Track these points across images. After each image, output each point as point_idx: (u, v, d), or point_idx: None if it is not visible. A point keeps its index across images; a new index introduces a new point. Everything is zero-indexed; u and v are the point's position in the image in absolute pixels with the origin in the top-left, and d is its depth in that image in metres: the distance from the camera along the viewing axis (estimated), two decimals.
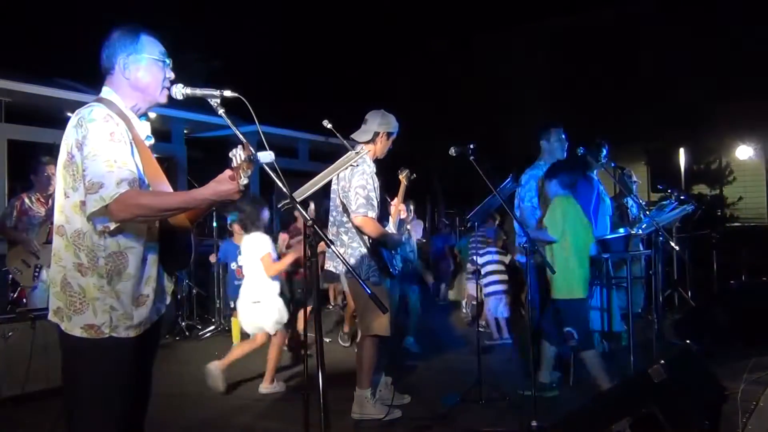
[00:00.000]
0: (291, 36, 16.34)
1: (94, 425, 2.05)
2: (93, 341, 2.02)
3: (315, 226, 2.08)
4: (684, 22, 12.77)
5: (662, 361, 2.79)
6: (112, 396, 2.05)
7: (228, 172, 1.91)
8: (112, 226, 1.99)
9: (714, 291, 7.71)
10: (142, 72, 2.16)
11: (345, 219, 3.92)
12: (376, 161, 4.08)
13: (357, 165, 3.86)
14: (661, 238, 4.85)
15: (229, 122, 2.11)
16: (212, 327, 7.02)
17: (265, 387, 4.70)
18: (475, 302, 6.29)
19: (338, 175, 3.92)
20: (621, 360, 4.99)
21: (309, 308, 5.64)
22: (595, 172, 5.58)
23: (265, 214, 4.92)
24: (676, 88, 12.47)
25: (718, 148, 13.03)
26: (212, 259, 6.90)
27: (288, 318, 4.84)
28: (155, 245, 2.14)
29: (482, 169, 3.81)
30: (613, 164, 5.83)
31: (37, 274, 5.16)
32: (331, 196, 4.08)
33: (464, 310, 7.73)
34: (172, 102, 2.25)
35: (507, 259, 6.58)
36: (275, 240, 5.63)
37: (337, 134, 4.11)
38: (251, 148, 1.87)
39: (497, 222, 7.46)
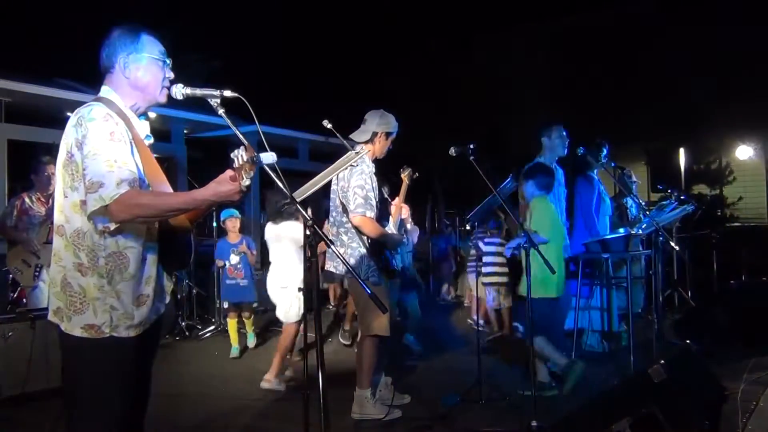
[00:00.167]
0: (291, 36, 16.34)
1: (94, 425, 2.05)
2: (93, 341, 2.02)
3: (315, 226, 2.08)
4: (684, 22, 12.76)
5: (662, 361, 2.79)
6: (112, 396, 2.05)
7: (229, 173, 1.91)
8: (112, 226, 1.98)
9: (714, 291, 7.71)
10: (142, 71, 2.16)
11: (345, 219, 3.92)
12: (377, 161, 4.08)
13: (356, 165, 3.86)
14: (661, 238, 4.86)
15: (229, 122, 2.11)
16: (212, 327, 7.02)
17: (267, 381, 4.71)
18: (476, 299, 6.31)
19: (338, 175, 3.92)
20: (621, 360, 4.99)
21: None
22: (595, 172, 5.59)
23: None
24: (676, 88, 12.45)
25: (718, 148, 13.03)
26: (219, 263, 6.36)
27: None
28: (155, 245, 2.14)
29: (482, 169, 3.81)
30: (613, 164, 5.83)
31: (37, 273, 5.16)
32: (331, 196, 4.08)
33: (471, 317, 7.72)
34: (172, 102, 2.25)
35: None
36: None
37: (337, 134, 4.11)
38: (253, 150, 1.87)
39: (502, 217, 7.46)
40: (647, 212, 5.30)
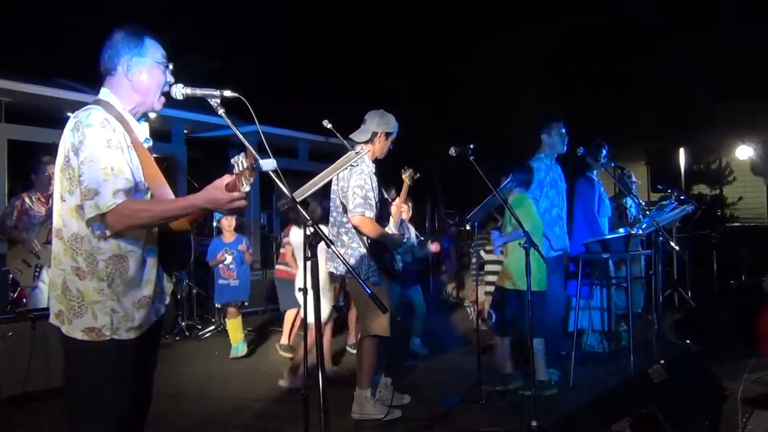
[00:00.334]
0: (291, 36, 16.34)
1: (95, 426, 2.05)
2: (94, 344, 2.03)
3: (315, 226, 2.07)
4: (684, 22, 12.76)
5: (662, 361, 2.79)
6: (113, 397, 2.05)
7: (226, 179, 1.91)
8: (110, 231, 2.00)
9: (714, 291, 7.71)
10: (145, 75, 2.15)
11: (345, 219, 3.92)
12: (377, 161, 4.08)
13: (356, 165, 3.86)
14: (661, 238, 4.86)
15: (229, 122, 2.10)
16: (212, 327, 7.02)
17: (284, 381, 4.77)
18: (476, 303, 6.29)
19: (338, 175, 3.92)
20: (621, 360, 4.99)
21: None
22: (595, 172, 5.59)
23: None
24: (676, 88, 12.46)
25: (718, 148, 13.02)
26: (212, 263, 6.25)
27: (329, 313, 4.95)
28: (155, 247, 2.14)
29: (482, 169, 3.81)
30: (613, 164, 5.83)
31: (37, 273, 5.16)
32: (331, 196, 4.08)
33: (471, 317, 7.72)
34: (172, 102, 2.25)
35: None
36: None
37: (337, 134, 4.12)
38: (255, 155, 1.85)
39: (499, 223, 7.45)
40: (647, 212, 5.30)
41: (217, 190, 1.93)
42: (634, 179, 6.26)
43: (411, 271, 5.78)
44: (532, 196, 4.76)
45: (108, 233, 2.00)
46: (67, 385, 2.10)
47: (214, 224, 7.34)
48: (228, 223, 5.97)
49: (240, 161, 1.84)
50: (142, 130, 2.21)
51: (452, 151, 3.89)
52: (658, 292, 5.18)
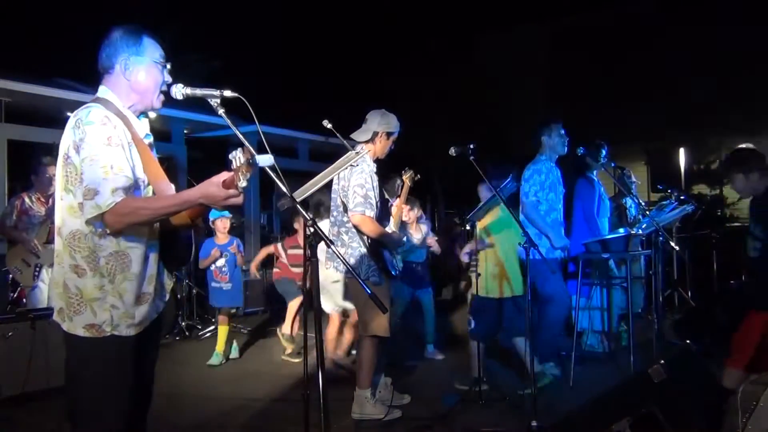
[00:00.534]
0: (291, 36, 16.34)
1: (97, 424, 2.06)
2: (95, 340, 2.04)
3: (315, 226, 2.08)
4: (684, 22, 12.76)
5: (662, 361, 2.79)
6: (115, 394, 2.06)
7: (223, 175, 1.92)
8: (110, 230, 2.01)
9: (714, 291, 7.71)
10: (143, 74, 2.16)
11: (346, 219, 3.92)
12: (378, 161, 4.08)
13: (356, 165, 3.86)
14: (661, 238, 4.86)
15: (229, 122, 2.11)
16: (212, 327, 7.00)
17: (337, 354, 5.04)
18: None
19: (339, 174, 3.92)
20: (621, 360, 4.99)
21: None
22: (594, 172, 5.58)
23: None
24: (676, 88, 12.46)
25: (718, 148, 13.02)
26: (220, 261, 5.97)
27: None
28: (156, 243, 2.15)
29: (482, 169, 3.81)
30: (612, 164, 5.83)
31: (37, 273, 5.17)
32: (332, 196, 4.08)
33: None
34: (172, 102, 2.25)
35: None
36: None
37: (337, 134, 4.11)
38: (251, 151, 1.87)
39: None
40: (646, 212, 5.29)
41: (212, 185, 1.94)
42: (634, 179, 6.25)
43: (421, 272, 5.77)
44: (536, 198, 4.76)
45: (108, 231, 2.00)
46: (68, 383, 2.11)
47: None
48: (222, 224, 5.84)
49: (237, 156, 1.86)
50: (143, 127, 2.21)
51: (452, 151, 3.89)
52: (658, 292, 5.18)
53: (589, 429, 3.01)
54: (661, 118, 12.41)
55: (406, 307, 5.65)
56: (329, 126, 4.11)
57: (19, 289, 5.52)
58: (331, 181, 3.91)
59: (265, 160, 1.94)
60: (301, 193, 3.44)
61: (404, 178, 4.39)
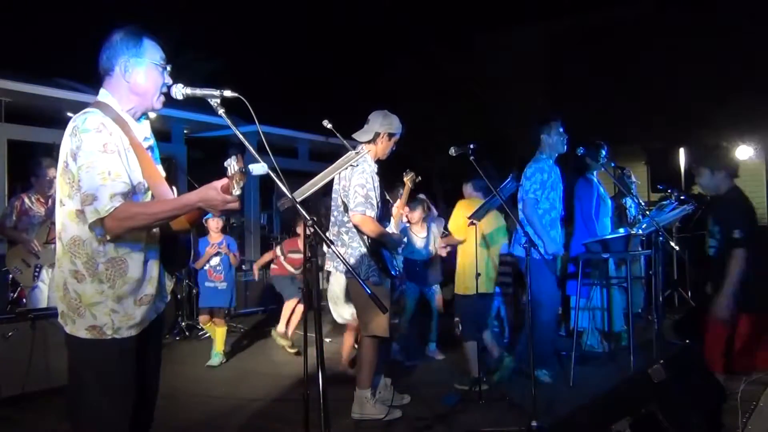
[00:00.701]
0: (291, 36, 16.35)
1: (99, 424, 2.06)
2: (97, 341, 2.05)
3: (315, 226, 2.08)
4: (684, 22, 12.76)
5: (662, 361, 2.78)
6: (117, 395, 2.07)
7: (222, 180, 1.92)
8: (109, 236, 2.02)
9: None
10: (142, 76, 2.15)
11: (346, 219, 3.92)
12: (380, 162, 4.08)
13: (357, 165, 3.86)
14: (661, 238, 4.85)
15: (229, 122, 2.11)
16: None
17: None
18: None
19: (340, 174, 3.92)
20: (621, 360, 4.99)
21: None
22: (594, 172, 5.58)
23: None
24: (676, 88, 12.46)
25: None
26: (215, 260, 5.97)
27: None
28: (156, 247, 2.16)
29: (482, 169, 3.81)
30: (613, 164, 5.82)
31: (37, 274, 5.17)
32: (333, 195, 4.08)
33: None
34: (172, 102, 2.25)
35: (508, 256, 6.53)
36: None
37: (337, 134, 4.11)
38: (242, 161, 1.88)
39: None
40: (646, 212, 5.29)
41: (212, 190, 1.94)
42: (634, 179, 6.25)
43: (426, 270, 5.77)
44: (534, 197, 4.76)
45: (108, 237, 2.01)
46: (70, 384, 2.12)
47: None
48: (215, 224, 5.82)
49: (231, 164, 1.87)
50: (142, 130, 2.21)
51: (452, 151, 3.89)
52: (658, 292, 5.17)
53: (589, 429, 3.01)
54: (661, 118, 12.41)
55: (415, 306, 5.66)
56: (329, 126, 4.11)
57: (19, 289, 5.53)
58: (329, 183, 3.91)
59: (258, 169, 1.95)
60: (301, 193, 3.44)
61: (405, 179, 4.39)
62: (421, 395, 4.44)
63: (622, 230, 5.19)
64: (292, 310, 5.84)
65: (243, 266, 9.01)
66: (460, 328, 4.61)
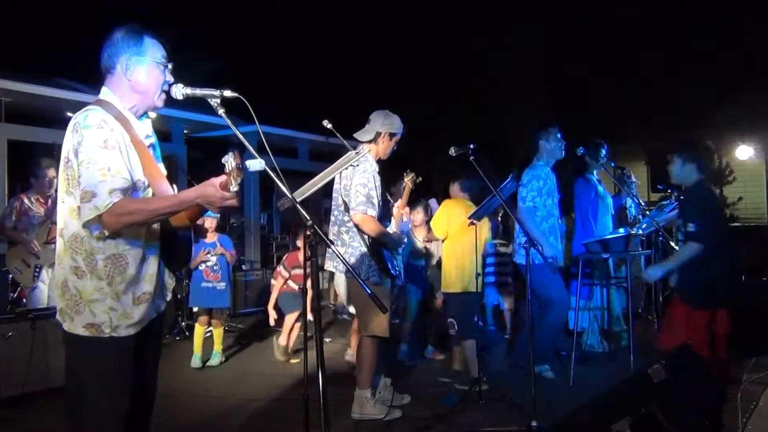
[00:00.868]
0: (291, 36, 16.36)
1: (96, 423, 2.06)
2: (95, 339, 2.05)
3: (315, 227, 2.08)
4: (684, 22, 12.77)
5: (662, 361, 2.79)
6: (114, 394, 2.07)
7: (222, 178, 1.93)
8: (107, 231, 2.01)
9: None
10: (143, 74, 2.16)
11: (346, 218, 3.92)
12: (381, 162, 4.07)
13: (358, 164, 3.86)
14: (661, 238, 4.86)
15: (229, 122, 2.11)
16: (212, 327, 7.00)
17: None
18: None
19: (340, 174, 3.92)
20: (621, 360, 4.99)
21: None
22: (594, 172, 5.58)
23: None
24: (676, 88, 12.47)
25: (718, 148, 13.03)
26: (212, 260, 5.90)
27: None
28: (156, 244, 2.16)
29: (482, 169, 3.81)
30: (612, 164, 5.82)
31: (37, 274, 5.17)
32: (333, 195, 4.07)
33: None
34: (172, 102, 2.25)
35: (509, 249, 6.50)
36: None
37: (337, 134, 4.11)
38: (239, 157, 1.88)
39: (500, 215, 7.41)
40: (646, 212, 5.29)
41: (210, 186, 1.94)
42: (634, 179, 6.24)
43: (431, 273, 5.77)
44: (532, 204, 4.75)
45: (106, 233, 2.01)
46: (68, 383, 2.11)
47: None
48: (210, 224, 5.72)
49: (228, 161, 1.86)
50: (144, 128, 2.21)
51: (452, 151, 3.89)
52: (658, 292, 5.18)
53: (589, 429, 3.01)
54: (661, 118, 12.42)
55: (418, 309, 5.65)
56: (329, 126, 4.11)
57: (19, 289, 5.53)
58: (330, 183, 3.90)
59: (255, 165, 1.95)
60: (301, 193, 3.44)
61: (406, 180, 4.39)
62: (421, 395, 4.44)
63: (622, 230, 5.19)
64: (291, 325, 5.74)
65: (242, 266, 9.02)
66: (456, 328, 4.59)
